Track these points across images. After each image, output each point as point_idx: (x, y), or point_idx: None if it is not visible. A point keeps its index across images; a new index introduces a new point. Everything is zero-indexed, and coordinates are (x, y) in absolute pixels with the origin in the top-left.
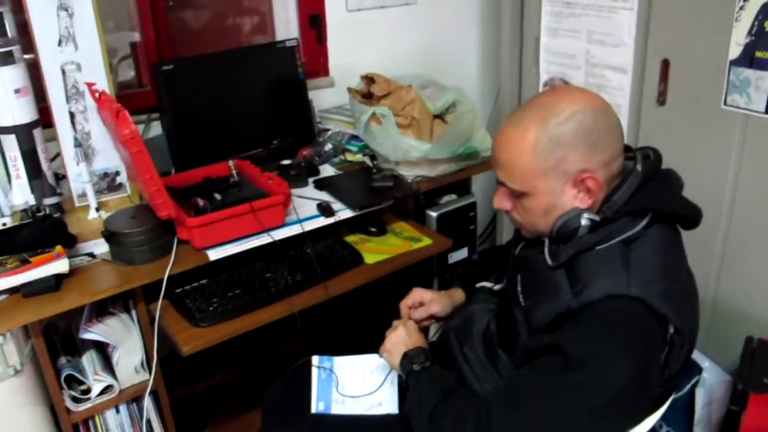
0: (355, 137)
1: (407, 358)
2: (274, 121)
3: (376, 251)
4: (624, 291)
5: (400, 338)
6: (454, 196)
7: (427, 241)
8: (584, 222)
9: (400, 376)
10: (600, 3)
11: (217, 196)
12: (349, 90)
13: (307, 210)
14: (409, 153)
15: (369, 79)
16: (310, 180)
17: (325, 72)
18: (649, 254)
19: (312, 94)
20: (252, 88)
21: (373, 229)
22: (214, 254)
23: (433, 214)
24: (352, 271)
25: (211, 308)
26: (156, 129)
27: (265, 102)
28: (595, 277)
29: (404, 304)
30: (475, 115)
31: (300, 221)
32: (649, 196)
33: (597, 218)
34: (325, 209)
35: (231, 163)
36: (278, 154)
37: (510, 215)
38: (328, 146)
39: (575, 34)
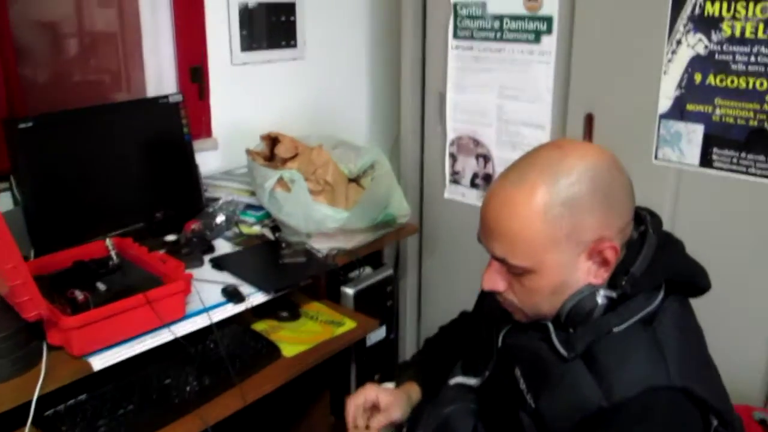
0: (250, 206)
1: None
2: (156, 189)
3: (293, 341)
4: (665, 382)
5: None
6: (368, 269)
7: (350, 324)
8: (601, 301)
9: None
10: (512, 57)
11: (101, 287)
12: (248, 152)
13: (210, 296)
14: (323, 223)
15: (271, 140)
16: (206, 258)
17: (207, 132)
18: (675, 333)
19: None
20: (128, 151)
21: (285, 314)
22: (99, 362)
23: (350, 292)
24: (270, 368)
25: None
26: (5, 202)
27: (145, 167)
28: (625, 368)
29: (354, 407)
30: (392, 178)
31: (206, 310)
32: (666, 265)
33: (614, 295)
34: (232, 294)
35: (109, 242)
36: (161, 228)
37: (502, 297)
38: (220, 218)
39: (485, 89)
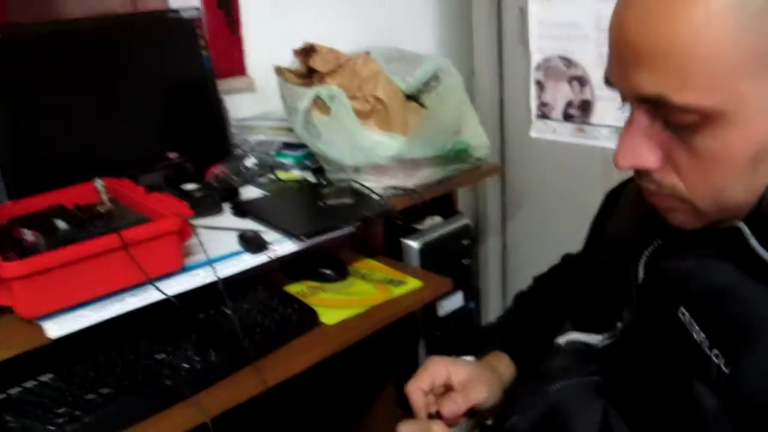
0: (288, 146)
1: None
2: (168, 126)
3: (336, 304)
4: None
5: None
6: (438, 218)
7: (414, 284)
8: None
9: None
10: None
11: (61, 225)
12: (278, 70)
13: (222, 246)
14: (374, 152)
15: (306, 52)
16: (226, 205)
17: (240, 70)
18: None
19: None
20: (131, 76)
21: (328, 272)
22: (55, 327)
23: (414, 245)
24: (304, 340)
25: (54, 428)
26: None
27: (152, 97)
28: None
29: (418, 390)
30: (463, 94)
31: (210, 263)
32: None
33: None
34: (251, 242)
35: (99, 182)
36: (178, 176)
37: (652, 181)
38: (251, 161)
39: None
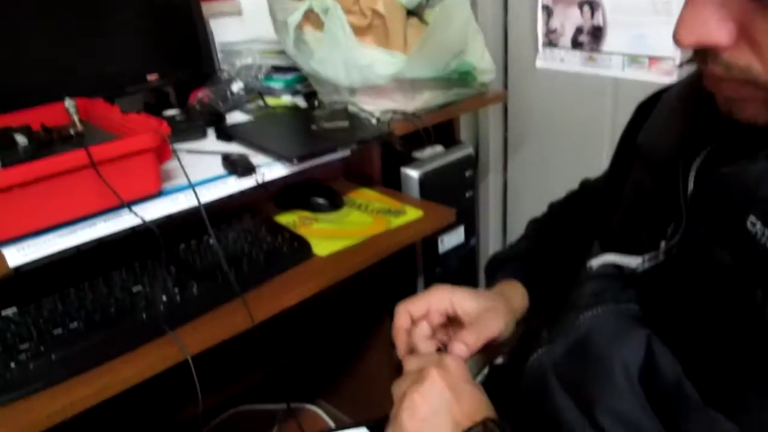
0: (279, 69)
1: None
2: (147, 46)
3: (331, 235)
4: None
5: (438, 401)
6: (439, 148)
7: (414, 214)
8: None
9: None
10: None
11: (21, 141)
12: None
13: (205, 170)
14: (372, 71)
15: None
16: (211, 131)
17: None
18: None
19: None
20: None
21: (322, 201)
22: (16, 254)
23: (414, 174)
24: (294, 272)
25: (15, 365)
26: None
27: (131, 15)
28: None
29: (406, 313)
30: (469, 12)
31: (192, 186)
32: None
33: None
34: (237, 164)
35: (69, 102)
36: (159, 102)
37: (720, 63)
38: (238, 86)
39: None
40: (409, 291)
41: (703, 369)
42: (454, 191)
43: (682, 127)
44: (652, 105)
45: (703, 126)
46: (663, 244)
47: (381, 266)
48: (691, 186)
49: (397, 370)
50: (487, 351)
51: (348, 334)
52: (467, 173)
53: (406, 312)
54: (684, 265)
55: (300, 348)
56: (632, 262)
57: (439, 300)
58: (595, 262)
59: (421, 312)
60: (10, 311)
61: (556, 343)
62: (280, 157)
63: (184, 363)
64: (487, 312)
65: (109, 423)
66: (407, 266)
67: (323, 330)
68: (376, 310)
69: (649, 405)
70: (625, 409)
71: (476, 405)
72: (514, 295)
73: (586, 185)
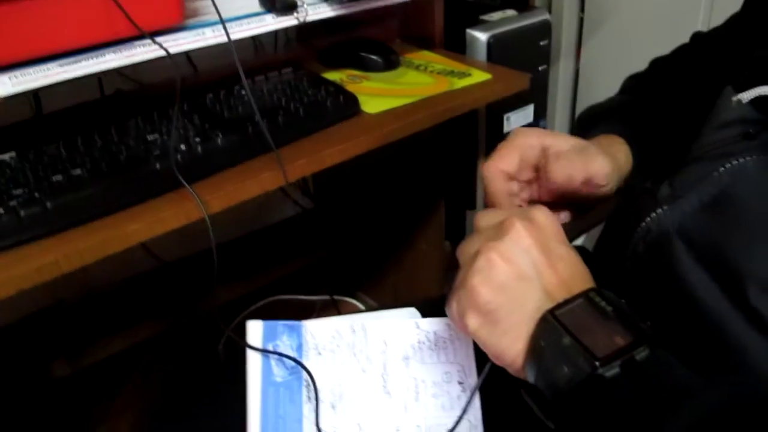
0: None
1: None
2: None
3: (383, 93)
4: None
5: (525, 262)
6: (512, 12)
7: (481, 76)
8: None
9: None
10: None
11: None
12: None
13: (236, 5)
14: None
15: None
16: None
17: None
18: None
19: None
20: None
21: (374, 57)
22: (8, 83)
23: (482, 37)
24: (338, 129)
25: (3, 212)
26: None
27: None
28: None
29: (499, 173)
30: None
31: (222, 22)
32: None
33: None
34: (275, 0)
35: None
36: None
37: None
38: None
39: None
40: (468, 175)
41: None
42: (527, 62)
43: None
44: None
45: None
46: None
47: (438, 145)
48: None
49: (451, 266)
50: (586, 210)
51: (395, 223)
52: (542, 43)
53: (500, 173)
54: None
55: (341, 237)
56: None
57: (532, 148)
58: (746, 96)
59: (514, 168)
60: (7, 155)
61: (684, 200)
62: None
63: (200, 223)
64: (588, 148)
65: (132, 301)
66: (468, 147)
67: (365, 211)
68: (429, 196)
69: None
70: None
71: (574, 271)
72: (618, 152)
73: (699, 35)
